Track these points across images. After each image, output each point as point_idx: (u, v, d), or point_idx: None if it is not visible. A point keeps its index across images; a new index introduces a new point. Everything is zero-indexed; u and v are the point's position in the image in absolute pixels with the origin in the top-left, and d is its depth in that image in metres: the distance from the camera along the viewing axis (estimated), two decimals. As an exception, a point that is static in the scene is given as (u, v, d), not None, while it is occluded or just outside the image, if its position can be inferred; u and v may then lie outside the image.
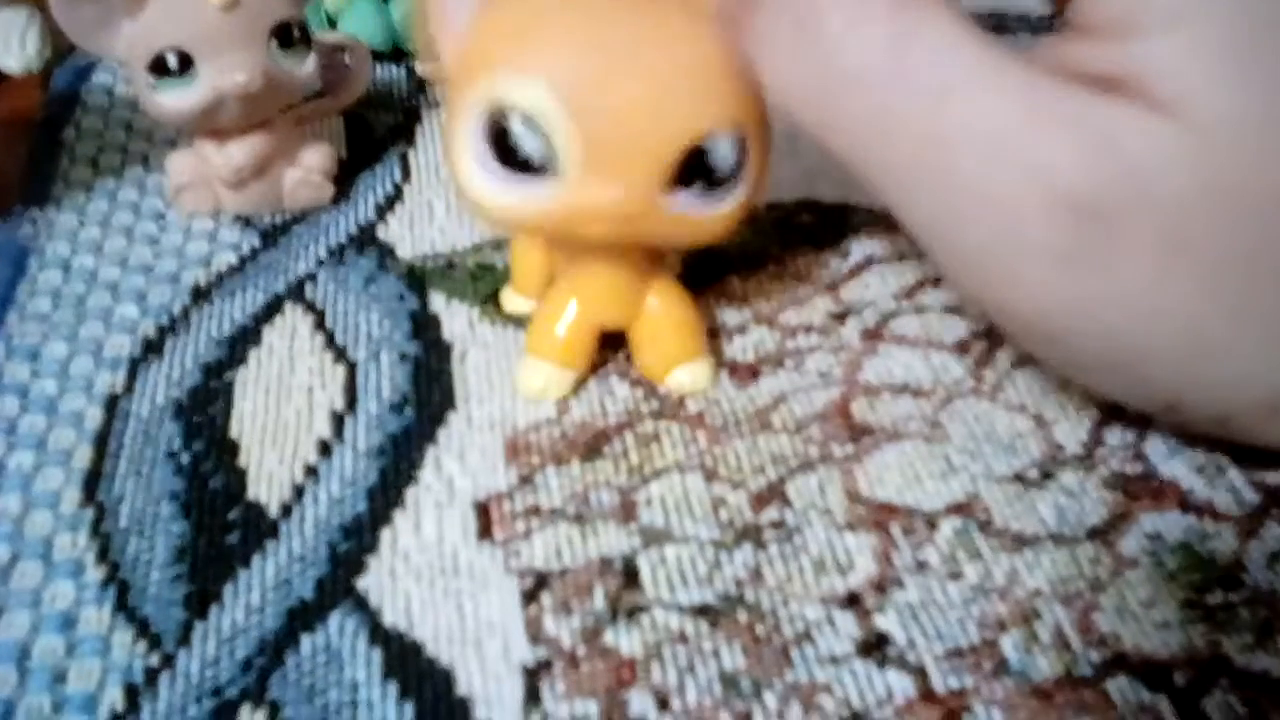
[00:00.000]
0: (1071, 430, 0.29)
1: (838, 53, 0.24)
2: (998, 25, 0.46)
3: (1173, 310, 0.23)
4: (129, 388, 0.31)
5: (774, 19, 0.25)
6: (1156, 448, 0.28)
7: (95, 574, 0.26)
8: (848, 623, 0.25)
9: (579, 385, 0.31)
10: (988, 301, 0.26)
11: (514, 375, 0.31)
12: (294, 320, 0.33)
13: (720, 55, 0.26)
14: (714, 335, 0.32)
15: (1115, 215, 0.23)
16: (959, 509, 0.27)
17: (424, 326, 0.33)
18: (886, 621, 0.25)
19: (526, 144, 0.26)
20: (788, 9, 0.25)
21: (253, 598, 0.26)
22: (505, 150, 0.26)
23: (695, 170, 0.26)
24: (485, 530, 0.27)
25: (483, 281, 0.34)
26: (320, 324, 0.33)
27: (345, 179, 0.39)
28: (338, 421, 0.30)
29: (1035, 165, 0.23)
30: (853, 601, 0.25)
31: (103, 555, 0.27)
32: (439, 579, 0.26)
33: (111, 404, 0.31)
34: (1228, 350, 0.24)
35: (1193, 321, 0.23)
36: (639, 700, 0.23)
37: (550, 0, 0.26)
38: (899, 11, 0.24)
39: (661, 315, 0.30)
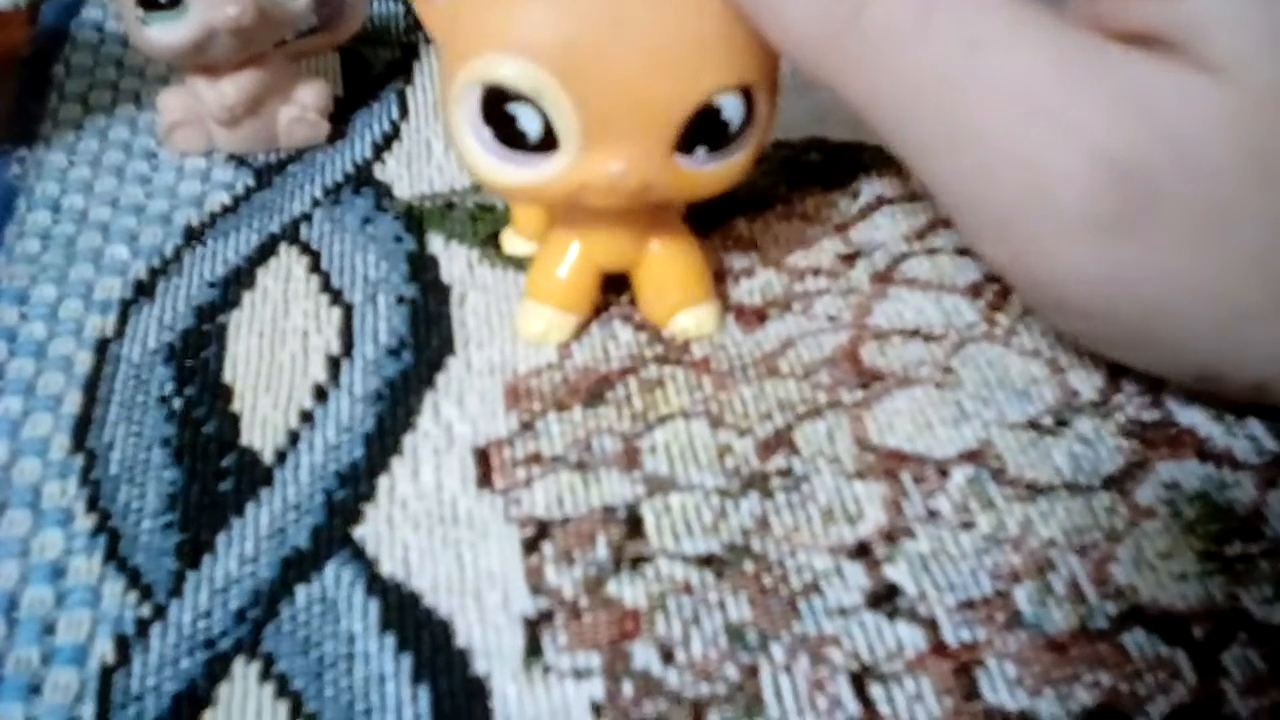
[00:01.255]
0: (1087, 376, 0.28)
1: (861, 8, 0.23)
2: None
3: (1210, 282, 0.23)
4: (120, 331, 0.31)
5: None
6: (1174, 395, 0.27)
7: (85, 523, 0.26)
8: (857, 573, 0.24)
9: (581, 330, 0.30)
10: (1016, 271, 0.25)
11: (514, 319, 0.30)
12: (289, 262, 0.33)
13: (719, 12, 0.25)
14: (720, 278, 0.31)
15: (1154, 180, 0.22)
16: (971, 457, 0.26)
17: (422, 268, 0.32)
18: (896, 572, 0.24)
19: (527, 124, 0.25)
20: None
21: (246, 547, 0.25)
22: (506, 129, 0.25)
23: (703, 130, 0.25)
24: (485, 478, 0.27)
25: (483, 222, 0.33)
26: (316, 266, 0.33)
27: (341, 117, 0.38)
28: (334, 366, 0.29)
29: (1070, 125, 0.22)
30: (862, 552, 0.25)
31: (92, 503, 0.26)
32: (437, 528, 0.26)
33: (102, 348, 0.30)
34: (1265, 323, 0.23)
35: (1232, 291, 0.23)
36: (642, 652, 0.23)
37: None
38: None
39: (665, 258, 0.29)
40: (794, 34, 0.25)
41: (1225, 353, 0.24)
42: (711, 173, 0.26)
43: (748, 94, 0.25)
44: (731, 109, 0.25)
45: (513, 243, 0.32)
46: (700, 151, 0.25)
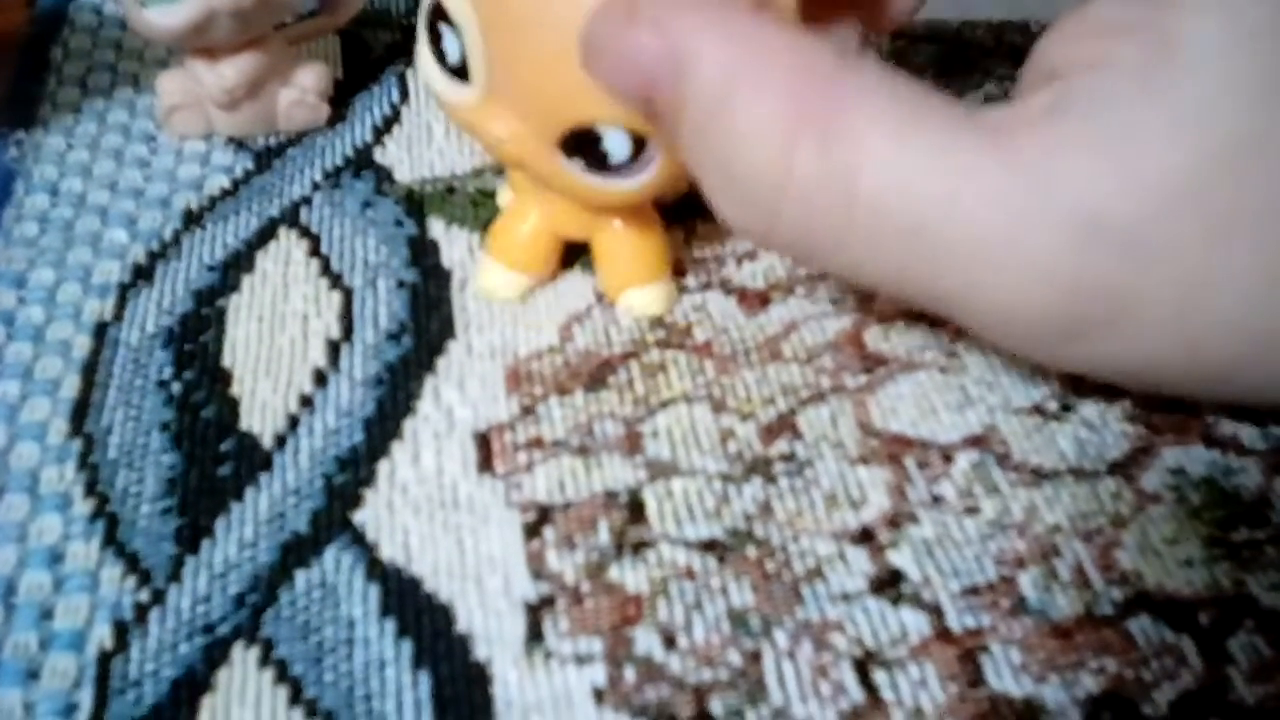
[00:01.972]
0: (1092, 361, 0.28)
1: (781, 195, 0.22)
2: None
3: (1202, 341, 0.22)
4: (118, 315, 0.31)
5: (698, 143, 0.23)
6: (1181, 379, 0.27)
7: (83, 507, 0.26)
8: (860, 559, 0.24)
9: (582, 316, 0.30)
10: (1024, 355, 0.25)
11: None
12: (288, 245, 0.32)
13: None
14: (722, 261, 0.31)
15: (1122, 288, 0.22)
16: (976, 442, 0.26)
17: (423, 252, 0.32)
18: (900, 558, 0.24)
19: (448, 44, 0.26)
20: (710, 139, 0.23)
21: (246, 532, 0.25)
22: (437, 45, 0.27)
23: (584, 147, 0.26)
24: (486, 462, 0.26)
25: (483, 207, 0.33)
26: (315, 250, 0.32)
27: (341, 100, 0.38)
28: (333, 350, 0.29)
29: (1026, 265, 0.22)
30: (865, 537, 0.24)
31: (91, 488, 0.26)
32: (438, 512, 0.25)
33: (100, 332, 0.30)
34: (1261, 369, 0.23)
35: (1219, 354, 0.22)
36: (645, 638, 0.23)
37: None
38: (833, 133, 0.22)
39: (621, 234, 0.29)
40: (728, 210, 0.24)
41: (1230, 388, 0.24)
42: (593, 186, 0.26)
43: (638, 138, 0.25)
44: (615, 143, 0.25)
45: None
46: (579, 162, 0.26)
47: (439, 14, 0.26)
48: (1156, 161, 0.21)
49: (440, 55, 0.27)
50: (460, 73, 0.26)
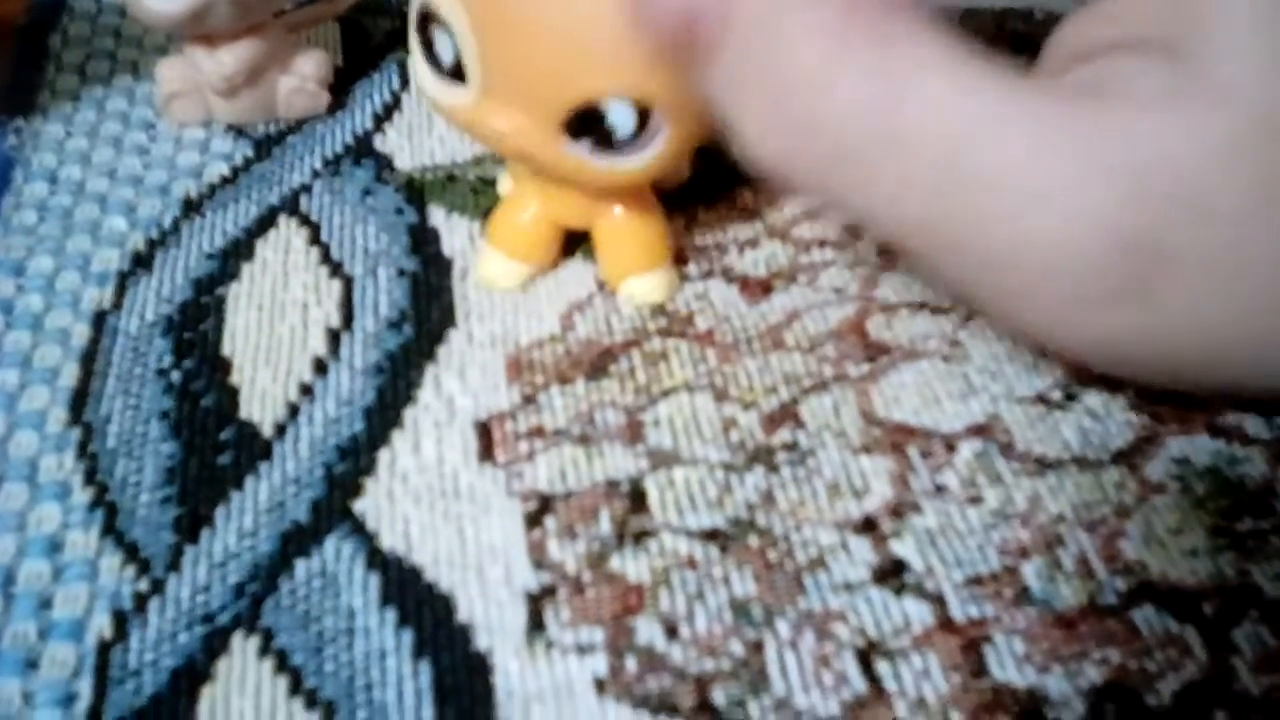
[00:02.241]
0: (1096, 349, 0.28)
1: (820, 111, 0.22)
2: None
3: (1233, 329, 0.22)
4: (117, 303, 0.30)
5: (740, 71, 0.23)
6: (1185, 368, 0.27)
7: (82, 496, 0.26)
8: (863, 548, 0.24)
9: (583, 305, 0.30)
10: (1037, 336, 0.24)
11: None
12: (288, 234, 0.32)
13: None
14: (724, 250, 0.31)
15: (1169, 244, 0.21)
16: (979, 431, 0.26)
17: (423, 241, 0.32)
18: (903, 547, 0.24)
19: (442, 50, 0.26)
20: (755, 61, 0.22)
21: (245, 521, 0.25)
22: (429, 50, 0.26)
23: (589, 127, 0.25)
24: (487, 451, 0.26)
25: (484, 195, 0.33)
26: (315, 238, 0.32)
27: (341, 87, 0.38)
28: (333, 338, 0.29)
29: (1072, 209, 0.21)
30: (868, 526, 0.24)
31: (90, 477, 0.26)
32: (439, 501, 0.25)
33: (99, 320, 0.30)
34: None
35: (1250, 333, 0.22)
36: (646, 628, 0.23)
37: None
38: (883, 55, 0.22)
39: (621, 221, 0.29)
40: (758, 140, 0.23)
41: (1247, 379, 0.24)
42: (599, 167, 0.26)
43: (643, 108, 0.25)
44: (618, 116, 0.25)
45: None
46: (585, 144, 0.26)
47: (429, 18, 0.26)
48: (1204, 123, 0.21)
49: (434, 59, 0.26)
50: (456, 74, 0.26)
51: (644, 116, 0.25)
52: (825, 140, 0.22)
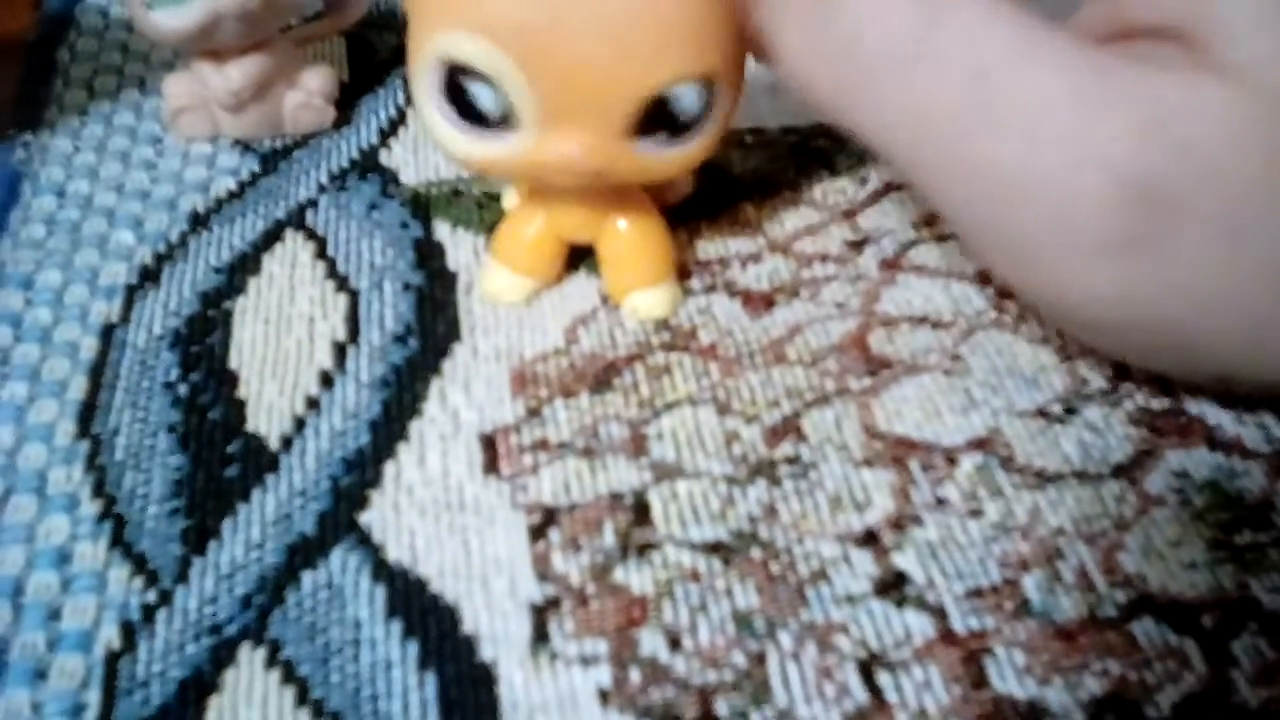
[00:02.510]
0: (1096, 364, 0.28)
1: (860, 33, 0.23)
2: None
3: (1235, 292, 0.22)
4: (125, 317, 0.31)
5: None
6: (1184, 384, 0.27)
7: (91, 508, 0.26)
8: (865, 561, 0.24)
9: (587, 319, 0.30)
10: (1032, 291, 0.25)
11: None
12: (294, 248, 0.33)
13: (680, 2, 0.25)
14: (727, 264, 0.31)
15: (1174, 195, 0.22)
16: (980, 444, 0.26)
17: (428, 255, 0.32)
18: (905, 560, 0.24)
19: (483, 100, 0.25)
20: None
21: (252, 533, 0.25)
22: (465, 105, 0.26)
23: (658, 118, 0.25)
24: (491, 464, 0.26)
25: (489, 210, 0.33)
26: (321, 252, 0.32)
27: (347, 102, 0.38)
28: (340, 352, 0.29)
29: (1087, 148, 0.22)
30: (870, 539, 0.25)
31: (98, 489, 0.26)
32: (444, 514, 0.25)
33: (107, 333, 0.30)
34: None
35: (1249, 302, 0.22)
36: (650, 639, 0.23)
37: None
38: None
39: (626, 236, 0.29)
40: (797, 60, 0.25)
41: (1243, 357, 0.24)
42: (668, 157, 0.26)
43: (708, 84, 0.25)
44: (688, 100, 0.25)
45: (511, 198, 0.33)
46: (656, 138, 0.26)
47: (459, 74, 0.25)
48: (1216, 91, 0.21)
49: (468, 115, 0.26)
50: (502, 122, 0.25)
51: (708, 91, 0.25)
52: (861, 60, 0.23)
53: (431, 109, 0.26)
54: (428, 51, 0.25)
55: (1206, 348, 0.24)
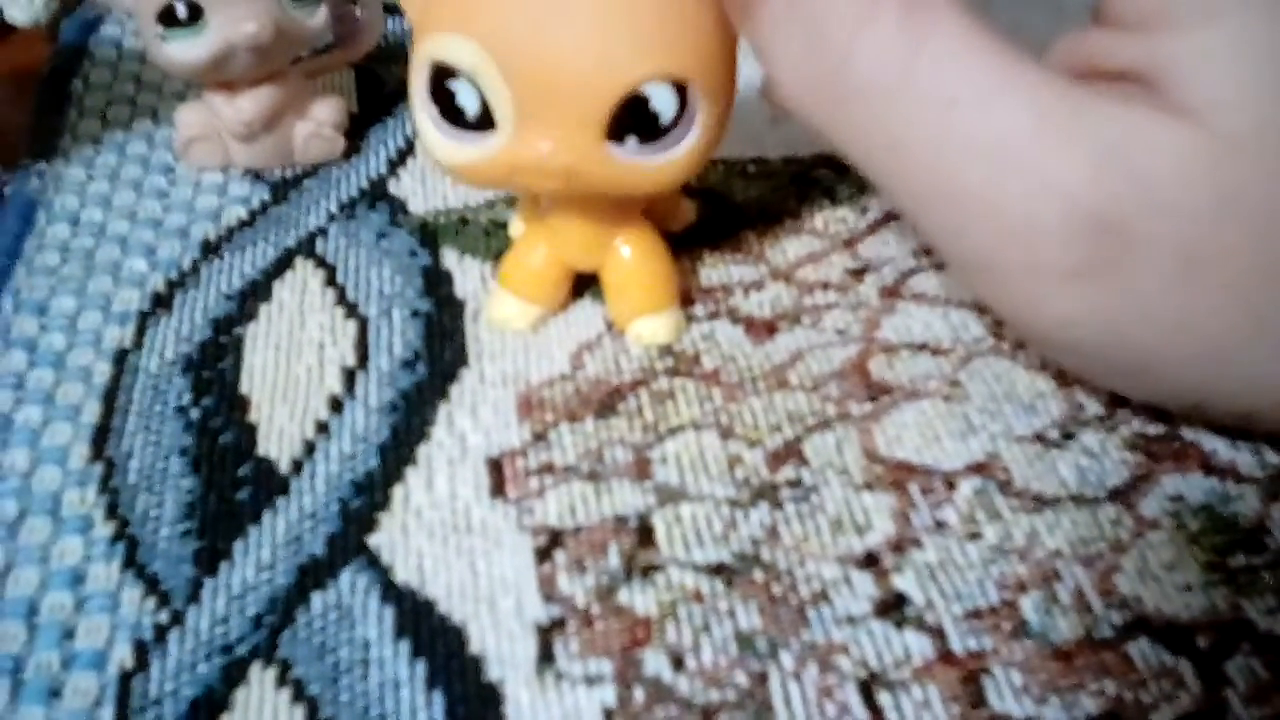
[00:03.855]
0: (1093, 390, 0.28)
1: (846, 57, 0.24)
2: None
3: (1193, 321, 0.23)
4: (138, 342, 0.31)
5: (780, 15, 0.25)
6: (1180, 408, 0.28)
7: (104, 530, 0.26)
8: (865, 583, 0.24)
9: (592, 345, 0.30)
10: (1004, 312, 0.25)
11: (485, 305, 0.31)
12: (305, 275, 0.33)
13: (658, 3, 0.25)
14: (730, 291, 0.32)
15: (1130, 230, 0.22)
16: (978, 469, 0.27)
17: (436, 282, 0.32)
18: (904, 582, 0.24)
19: (466, 101, 0.26)
20: (795, 6, 0.24)
21: (263, 554, 0.26)
22: (450, 108, 0.26)
23: (635, 120, 0.26)
24: (498, 487, 0.27)
25: (495, 238, 0.34)
26: (331, 280, 0.33)
27: (356, 133, 0.39)
28: (349, 377, 0.30)
29: (1047, 178, 0.23)
30: (870, 561, 0.25)
31: (112, 511, 0.27)
32: (451, 536, 0.26)
33: (120, 359, 0.31)
34: (1248, 357, 0.23)
35: (1214, 331, 0.23)
36: (654, 659, 0.23)
37: None
38: (909, 14, 0.23)
39: (629, 264, 0.30)
40: (787, 80, 0.25)
41: (1211, 385, 0.24)
42: (645, 166, 0.26)
43: (681, 89, 0.26)
44: (661, 100, 0.26)
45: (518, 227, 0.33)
46: (631, 142, 0.26)
47: (443, 76, 0.26)
48: (1174, 128, 0.22)
49: (453, 117, 0.26)
50: (483, 122, 0.26)
51: (682, 96, 0.26)
52: (849, 83, 0.24)
53: (421, 113, 0.27)
54: (418, 56, 0.26)
55: (1173, 372, 0.24)
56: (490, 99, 0.26)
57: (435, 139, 0.27)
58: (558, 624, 0.24)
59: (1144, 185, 0.22)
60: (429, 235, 0.34)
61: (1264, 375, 0.23)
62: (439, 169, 0.28)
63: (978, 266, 0.25)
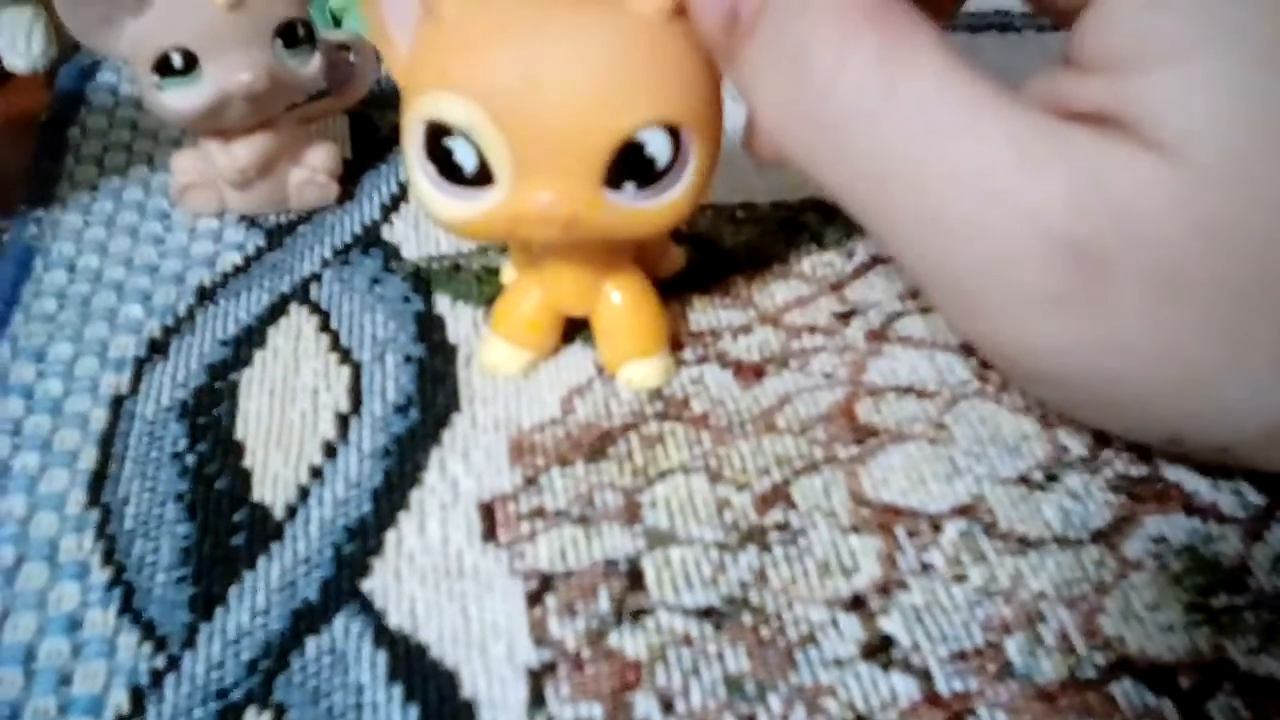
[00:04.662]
0: (1076, 433, 0.29)
1: (828, 89, 0.24)
2: (1003, 25, 0.46)
3: (1168, 351, 0.23)
4: (134, 389, 0.31)
5: (764, 52, 0.25)
6: (1161, 451, 0.28)
7: (100, 576, 0.26)
8: (852, 625, 0.25)
9: (583, 389, 0.31)
10: (983, 344, 0.26)
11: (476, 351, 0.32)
12: (299, 321, 0.33)
13: (646, 51, 0.26)
14: (718, 335, 0.32)
15: (1107, 258, 0.23)
16: (964, 511, 0.27)
17: (429, 328, 0.33)
18: (891, 624, 0.25)
19: (463, 158, 0.26)
20: (778, 42, 0.25)
21: (258, 599, 0.26)
22: (447, 165, 0.26)
23: (632, 166, 0.26)
24: (490, 532, 0.27)
25: (488, 284, 0.34)
26: (325, 325, 0.33)
27: (350, 179, 0.39)
28: (342, 423, 0.30)
29: (1024, 208, 0.23)
30: (857, 604, 0.25)
31: (108, 557, 0.27)
32: (444, 581, 0.26)
33: (117, 405, 0.31)
34: (1225, 387, 0.23)
35: (1189, 361, 0.23)
36: (644, 703, 0.24)
37: (481, 13, 0.26)
38: (890, 47, 0.24)
39: (619, 308, 0.30)
40: (770, 115, 0.26)
41: (1190, 416, 0.24)
42: (644, 210, 0.27)
43: (675, 132, 0.26)
44: (656, 145, 0.26)
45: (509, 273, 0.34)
46: (629, 188, 0.26)
47: (439, 134, 0.26)
48: (1149, 161, 0.22)
49: (451, 175, 0.26)
50: (480, 178, 0.26)
51: (676, 139, 0.26)
52: (831, 114, 0.24)
53: (417, 172, 0.27)
54: (412, 115, 0.26)
55: (1150, 404, 0.24)
56: (487, 154, 0.26)
57: (433, 197, 0.27)
58: (549, 668, 0.24)
59: (1120, 215, 0.22)
60: (422, 281, 0.35)
61: (1241, 405, 0.24)
62: (438, 225, 0.28)
63: (960, 296, 0.25)
